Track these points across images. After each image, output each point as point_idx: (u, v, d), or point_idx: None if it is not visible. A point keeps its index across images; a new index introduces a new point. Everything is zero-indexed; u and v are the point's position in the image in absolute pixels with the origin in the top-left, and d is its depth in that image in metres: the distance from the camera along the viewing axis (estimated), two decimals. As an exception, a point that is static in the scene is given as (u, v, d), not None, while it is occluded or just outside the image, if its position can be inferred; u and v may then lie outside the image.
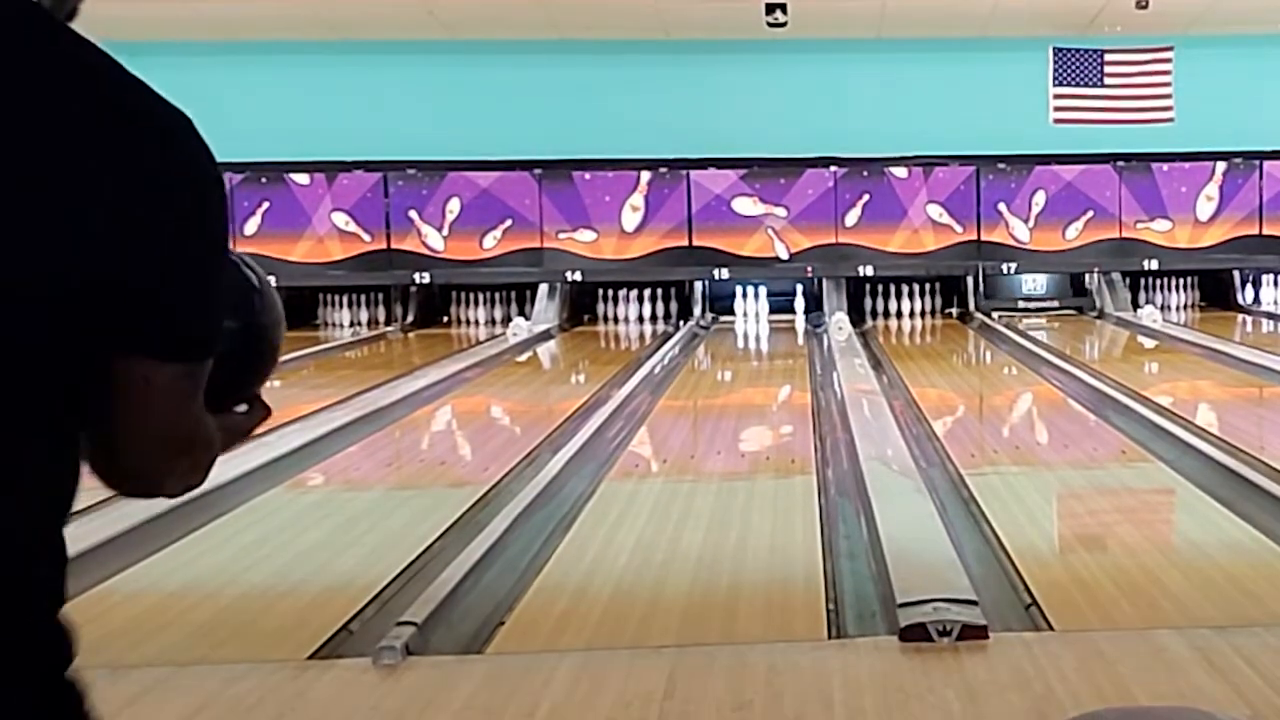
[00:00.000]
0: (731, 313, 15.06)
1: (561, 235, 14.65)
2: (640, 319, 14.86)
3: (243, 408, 1.46)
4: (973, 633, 3.64)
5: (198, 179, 1.20)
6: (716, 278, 14.82)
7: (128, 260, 1.12)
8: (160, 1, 12.95)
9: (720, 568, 4.59)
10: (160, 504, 5.39)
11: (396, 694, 3.39)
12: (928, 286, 15.29)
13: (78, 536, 4.55)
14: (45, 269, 1.09)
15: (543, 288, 14.74)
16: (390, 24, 13.87)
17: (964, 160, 14.92)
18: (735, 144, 14.57)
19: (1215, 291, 15.52)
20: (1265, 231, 15.00)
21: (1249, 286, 15.42)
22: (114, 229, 1.11)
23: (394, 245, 14.85)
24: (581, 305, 15.00)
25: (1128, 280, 15.24)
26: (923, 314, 15.21)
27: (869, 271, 14.88)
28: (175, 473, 1.33)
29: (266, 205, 14.73)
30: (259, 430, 1.50)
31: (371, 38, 14.35)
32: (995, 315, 14.52)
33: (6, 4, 1.17)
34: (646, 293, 14.93)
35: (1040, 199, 15.00)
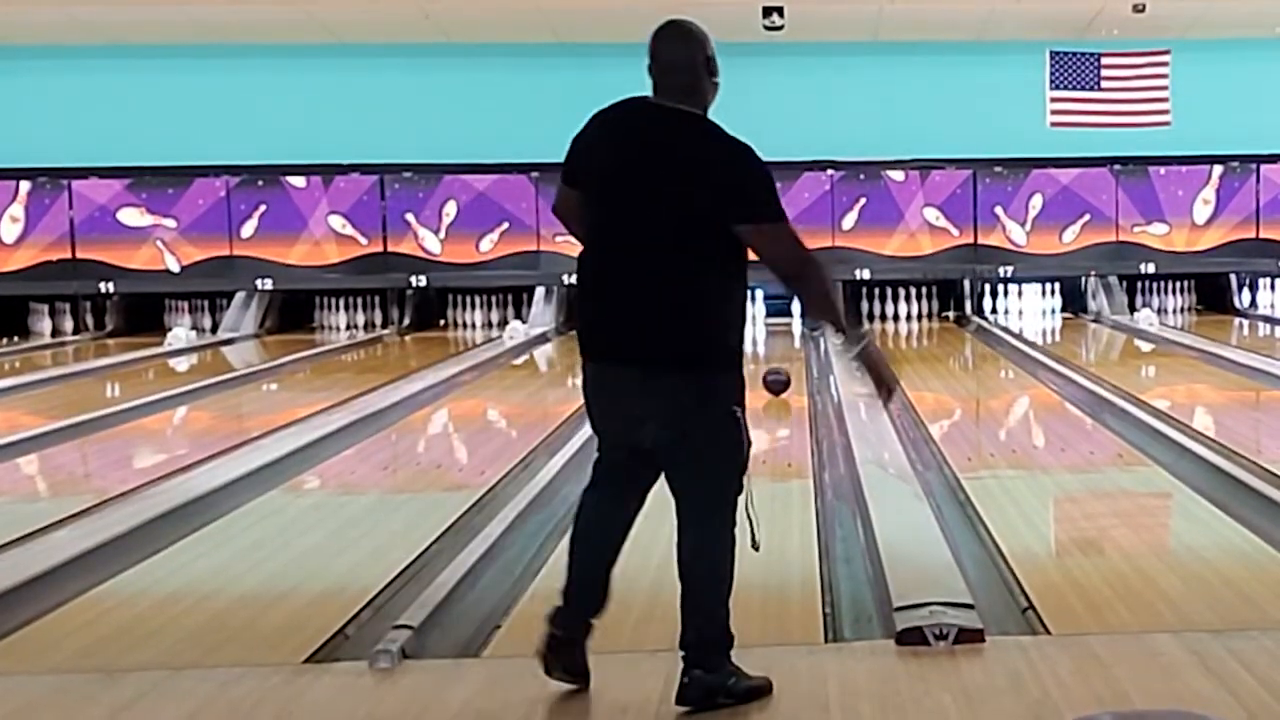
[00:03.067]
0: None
1: (558, 238, 14.60)
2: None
3: None
4: (969, 636, 3.64)
5: (750, 167, 3.23)
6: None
7: (736, 192, 3.22)
8: (154, 5, 12.95)
9: (717, 571, 4.57)
10: (155, 506, 5.39)
11: (393, 698, 3.39)
12: (924, 290, 15.30)
13: (73, 540, 4.52)
14: (709, 197, 3.19)
15: (539, 291, 14.74)
16: (386, 27, 13.88)
17: (961, 164, 14.94)
18: (732, 147, 14.56)
19: (1212, 295, 15.54)
20: (1262, 235, 15.02)
21: (1245, 290, 15.44)
22: (728, 181, 3.22)
23: (390, 248, 14.85)
24: (578, 308, 14.98)
25: (1124, 284, 15.26)
26: (919, 317, 15.22)
27: (866, 275, 14.89)
28: (806, 274, 3.33)
29: (263, 208, 14.72)
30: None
31: (368, 41, 14.35)
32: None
33: (693, 117, 3.29)
34: (644, 296, 14.89)
35: (1037, 202, 15.02)
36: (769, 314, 15.14)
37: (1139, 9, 13.27)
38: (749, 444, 3.28)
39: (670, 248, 3.19)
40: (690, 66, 3.27)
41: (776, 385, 8.83)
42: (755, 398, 9.70)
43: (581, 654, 3.38)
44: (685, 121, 3.26)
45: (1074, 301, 15.49)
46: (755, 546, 3.34)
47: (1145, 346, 12.45)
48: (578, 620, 3.38)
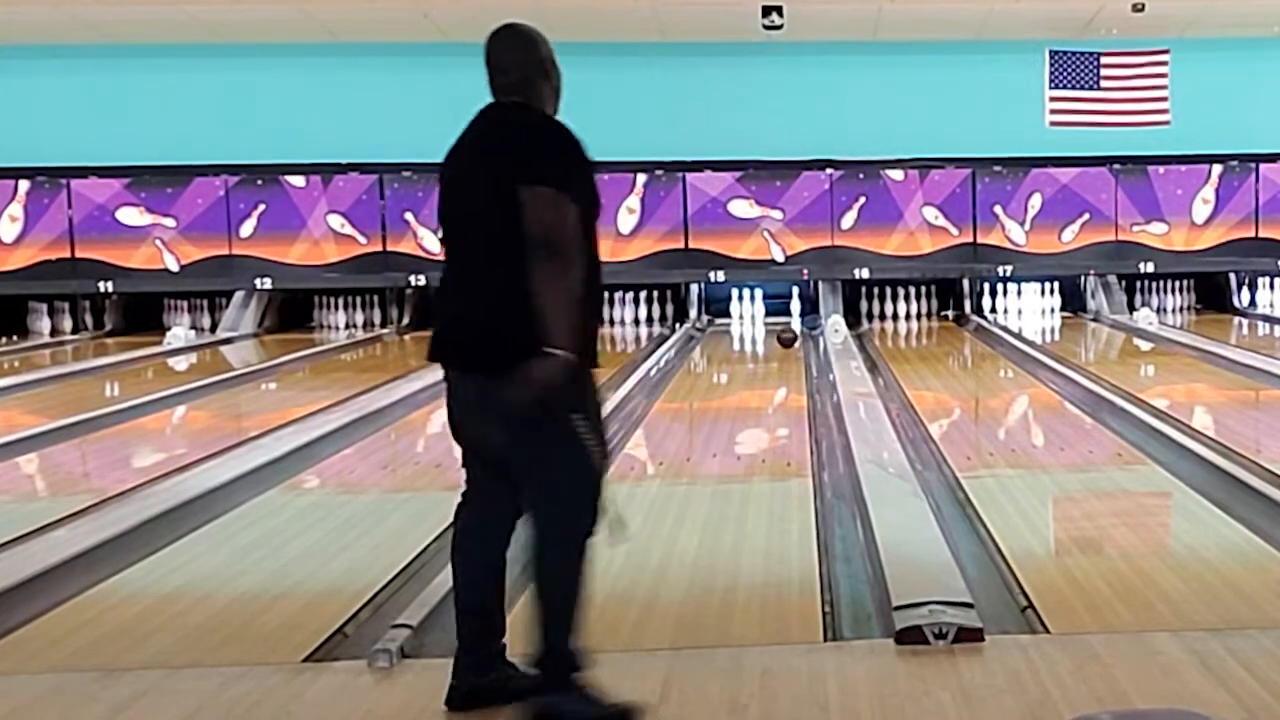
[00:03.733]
0: (727, 315, 15.06)
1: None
2: (636, 321, 14.86)
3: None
4: (968, 635, 3.64)
5: (554, 139, 3.21)
6: (712, 280, 14.83)
7: (533, 165, 3.09)
8: (154, 5, 12.94)
9: (716, 570, 4.58)
10: (154, 506, 5.38)
11: (392, 697, 3.39)
12: (924, 289, 15.31)
13: (73, 540, 4.51)
14: (517, 171, 3.08)
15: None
16: (385, 27, 13.87)
17: (960, 163, 14.94)
18: (731, 146, 14.58)
19: (1211, 294, 15.54)
20: (1261, 234, 15.03)
21: (1245, 289, 15.44)
22: (536, 158, 3.14)
23: (390, 247, 14.85)
24: (578, 308, 14.98)
25: (1124, 283, 15.27)
26: (919, 316, 15.22)
27: (865, 274, 14.89)
28: (550, 254, 3.06)
29: (263, 207, 14.72)
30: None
31: (367, 40, 14.34)
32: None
33: (530, 112, 3.32)
34: (642, 295, 14.92)
35: (1036, 202, 15.02)
36: (768, 314, 15.16)
37: (1138, 8, 13.27)
38: (602, 456, 3.13)
39: (495, 244, 3.11)
40: (521, 66, 3.36)
41: (786, 341, 11.15)
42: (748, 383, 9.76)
43: (520, 682, 3.20)
44: (506, 112, 3.30)
45: (1073, 301, 15.50)
46: (623, 538, 3.26)
47: (1145, 346, 12.45)
48: (485, 652, 3.23)
